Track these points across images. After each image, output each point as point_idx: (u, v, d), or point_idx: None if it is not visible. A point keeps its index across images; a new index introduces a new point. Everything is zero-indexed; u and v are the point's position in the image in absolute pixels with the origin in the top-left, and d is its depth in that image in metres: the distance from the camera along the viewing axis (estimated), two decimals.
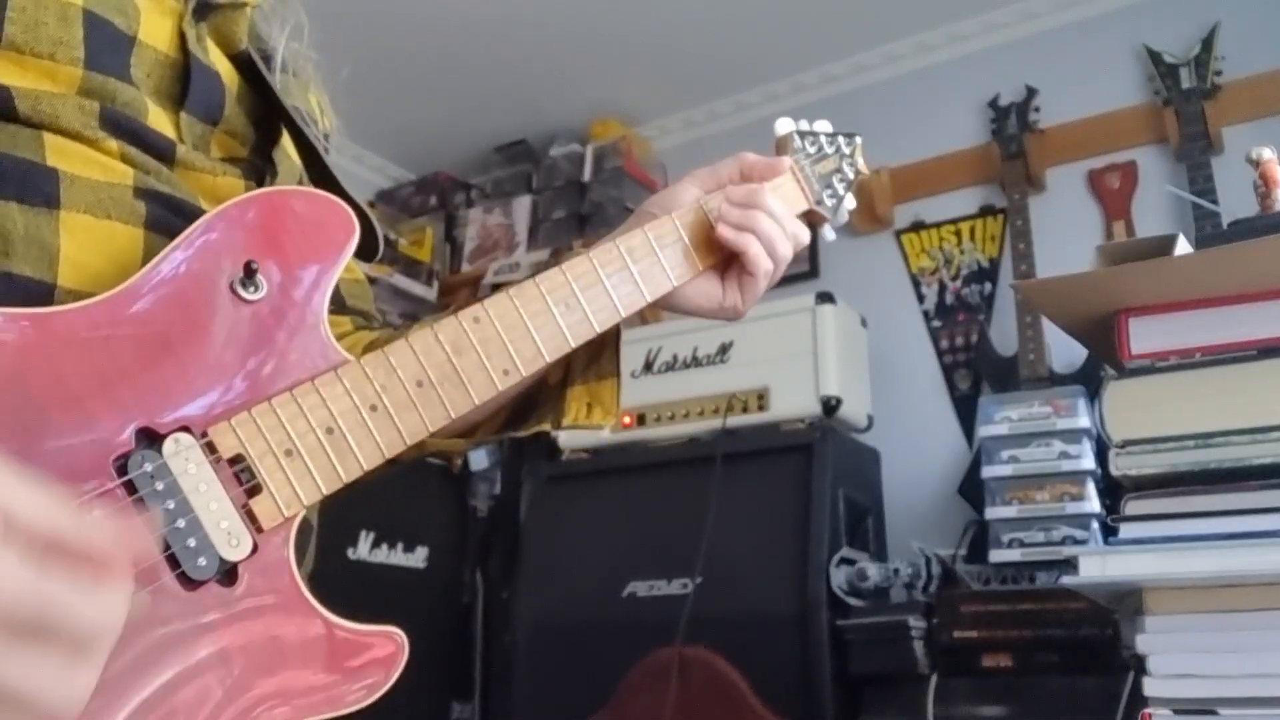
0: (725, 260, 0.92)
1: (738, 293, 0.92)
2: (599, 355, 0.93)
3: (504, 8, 2.90)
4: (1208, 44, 2.60)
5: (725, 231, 0.89)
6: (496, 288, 3.46)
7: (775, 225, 0.90)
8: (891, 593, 2.29)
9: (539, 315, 0.80)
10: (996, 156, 2.82)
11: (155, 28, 0.75)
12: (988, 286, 2.84)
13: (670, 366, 2.65)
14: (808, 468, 2.34)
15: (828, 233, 1.04)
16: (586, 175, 3.36)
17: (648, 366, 2.66)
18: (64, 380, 0.61)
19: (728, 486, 2.33)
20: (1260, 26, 2.60)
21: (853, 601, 2.19)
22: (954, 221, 2.92)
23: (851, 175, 1.03)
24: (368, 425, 0.70)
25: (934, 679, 2.06)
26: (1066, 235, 2.67)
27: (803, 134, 1.01)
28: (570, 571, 2.51)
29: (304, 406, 0.68)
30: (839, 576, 2.21)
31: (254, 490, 0.65)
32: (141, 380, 0.63)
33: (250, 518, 0.65)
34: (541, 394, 0.94)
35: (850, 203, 1.04)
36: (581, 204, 3.36)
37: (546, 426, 0.94)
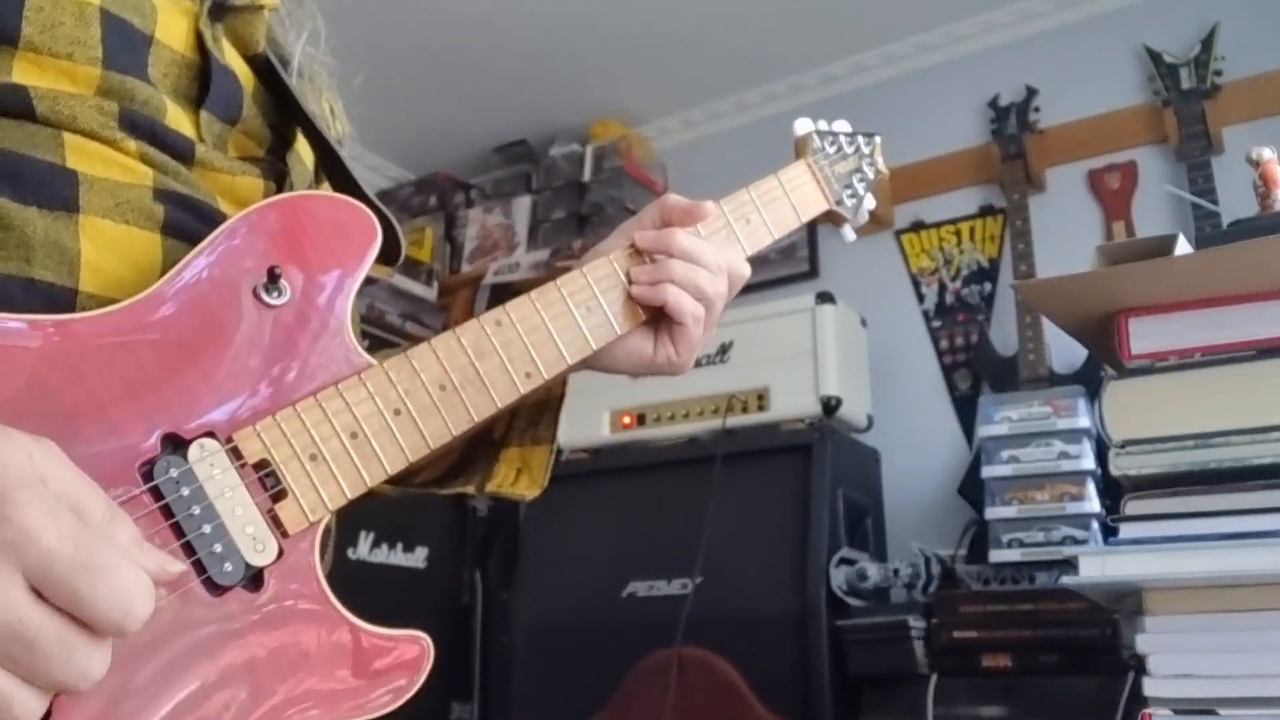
0: (653, 313, 0.85)
1: (670, 345, 0.86)
2: (539, 419, 0.90)
3: (504, 8, 2.90)
4: (1208, 44, 2.60)
5: (638, 292, 0.83)
6: (496, 288, 3.43)
7: (691, 266, 0.84)
8: (891, 593, 2.29)
9: (560, 318, 0.79)
10: (996, 156, 2.83)
11: (172, 27, 0.75)
12: (988, 286, 2.84)
13: None
14: (807, 468, 2.34)
15: (848, 233, 1.04)
16: (586, 175, 3.36)
17: None
18: (89, 386, 0.61)
19: (727, 486, 2.33)
20: (1260, 26, 2.60)
21: (852, 602, 2.20)
22: (954, 221, 2.92)
23: (871, 175, 1.03)
24: (391, 429, 0.70)
25: (934, 679, 2.06)
26: (1066, 235, 2.67)
27: (821, 134, 1.01)
28: (570, 572, 2.51)
29: (328, 411, 0.68)
30: (839, 577, 2.21)
31: (279, 495, 0.66)
32: (166, 386, 0.64)
33: (276, 523, 0.65)
34: (481, 450, 0.91)
35: (870, 202, 1.03)
36: (581, 204, 3.36)
37: (470, 488, 0.91)
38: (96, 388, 0.61)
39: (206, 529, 0.62)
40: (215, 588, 0.62)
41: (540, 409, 0.90)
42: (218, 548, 0.63)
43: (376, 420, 0.70)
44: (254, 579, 0.64)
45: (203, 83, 0.76)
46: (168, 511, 0.62)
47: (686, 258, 0.84)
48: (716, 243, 0.88)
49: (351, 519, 2.60)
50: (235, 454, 0.65)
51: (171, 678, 0.60)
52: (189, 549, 0.62)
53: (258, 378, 0.67)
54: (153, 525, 0.61)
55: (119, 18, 0.71)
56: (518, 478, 0.90)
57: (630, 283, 0.84)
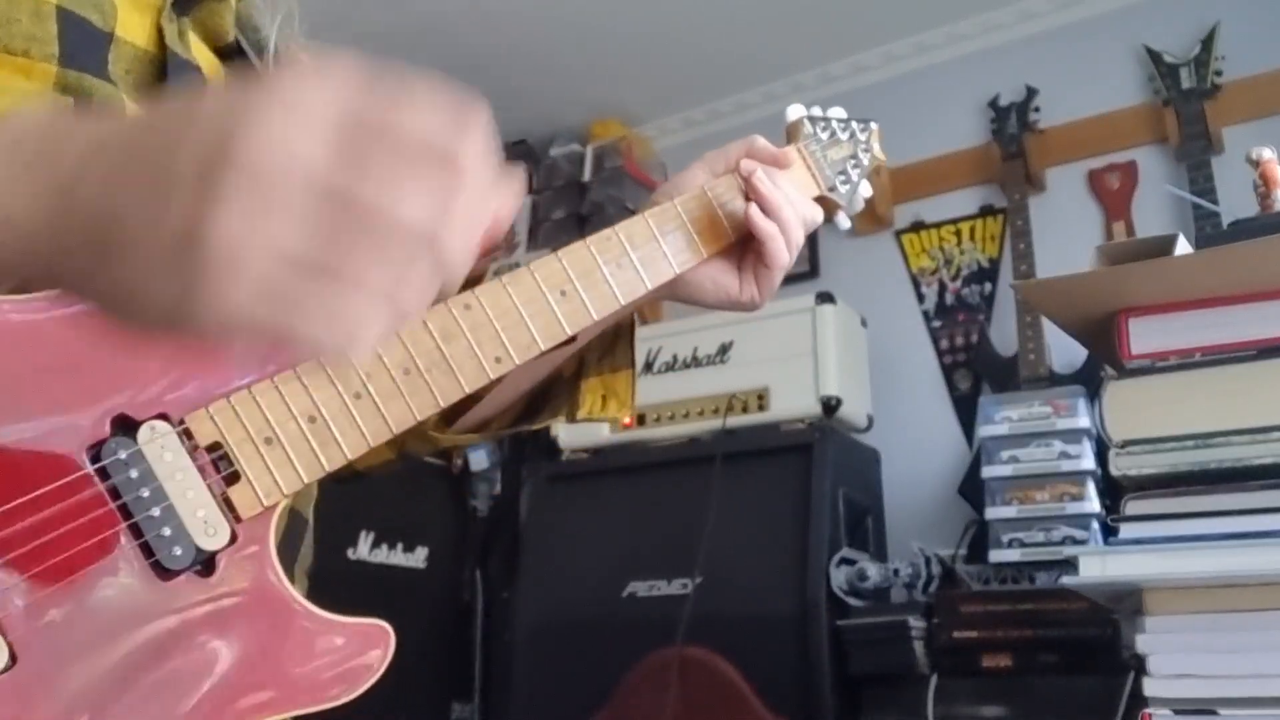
0: (738, 250, 0.89)
1: (754, 285, 0.89)
2: (613, 347, 0.92)
3: (504, 7, 2.90)
4: (1208, 44, 2.60)
5: (755, 215, 0.86)
6: None
7: (795, 213, 0.88)
8: (891, 593, 2.29)
9: (533, 303, 0.77)
10: (996, 156, 2.82)
11: (133, 24, 0.75)
12: (988, 286, 2.84)
13: (670, 366, 2.65)
14: (807, 468, 2.34)
15: (842, 220, 1.02)
16: (586, 175, 3.36)
17: (648, 366, 2.66)
18: (39, 366, 0.60)
19: (728, 486, 2.33)
20: (1260, 26, 2.60)
21: (853, 601, 2.19)
22: (954, 221, 2.92)
23: (867, 162, 1.01)
24: (352, 413, 0.68)
25: (934, 679, 2.06)
26: (1066, 235, 2.67)
27: (814, 119, 0.99)
28: (570, 571, 2.51)
29: (285, 394, 0.67)
30: (839, 577, 2.20)
31: (233, 479, 0.64)
32: (118, 367, 0.63)
33: (229, 506, 0.64)
34: (555, 387, 0.92)
35: (866, 190, 1.01)
36: (582, 204, 3.36)
37: (561, 419, 0.92)
38: (46, 368, 0.60)
39: (155, 511, 0.61)
40: (165, 571, 0.61)
41: (613, 339, 0.92)
42: (167, 531, 0.61)
43: (336, 404, 0.68)
44: (206, 563, 0.63)
45: (166, 79, 0.75)
46: (116, 493, 0.61)
47: (793, 205, 0.88)
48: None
49: (351, 519, 2.62)
50: (187, 435, 0.63)
51: (119, 663, 0.59)
52: (137, 531, 0.61)
53: (214, 360, 0.65)
54: (100, 507, 0.60)
55: (77, 16, 0.70)
56: (605, 403, 0.92)
57: (724, 203, 0.86)
